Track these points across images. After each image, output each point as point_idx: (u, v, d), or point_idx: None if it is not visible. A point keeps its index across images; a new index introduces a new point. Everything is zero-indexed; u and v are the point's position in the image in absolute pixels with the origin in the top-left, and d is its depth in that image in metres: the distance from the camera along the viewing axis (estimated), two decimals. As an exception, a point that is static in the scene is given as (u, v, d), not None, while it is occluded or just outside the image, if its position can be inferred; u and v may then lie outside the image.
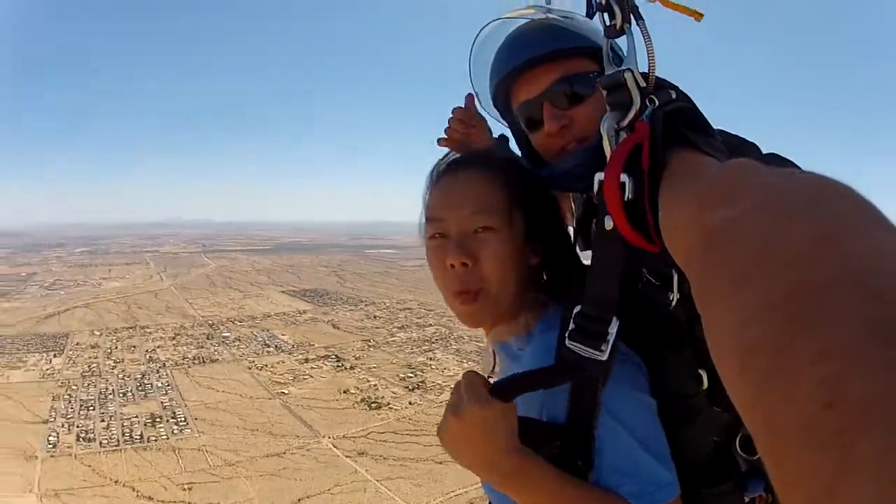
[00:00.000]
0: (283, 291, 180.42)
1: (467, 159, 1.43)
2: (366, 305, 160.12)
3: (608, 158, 0.98)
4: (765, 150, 1.31)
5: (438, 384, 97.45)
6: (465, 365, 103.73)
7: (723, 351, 0.54)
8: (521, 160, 1.52)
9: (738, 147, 1.26)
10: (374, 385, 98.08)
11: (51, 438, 73.12)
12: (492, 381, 1.36)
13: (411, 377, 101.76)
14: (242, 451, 72.90)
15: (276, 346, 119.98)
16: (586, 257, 1.30)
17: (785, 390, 0.41)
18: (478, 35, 1.46)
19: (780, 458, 0.41)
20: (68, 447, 71.86)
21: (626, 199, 0.92)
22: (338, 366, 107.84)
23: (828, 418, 0.37)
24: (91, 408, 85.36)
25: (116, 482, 63.40)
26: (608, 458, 1.11)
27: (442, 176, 1.40)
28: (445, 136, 1.84)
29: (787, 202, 0.56)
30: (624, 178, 0.92)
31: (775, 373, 0.43)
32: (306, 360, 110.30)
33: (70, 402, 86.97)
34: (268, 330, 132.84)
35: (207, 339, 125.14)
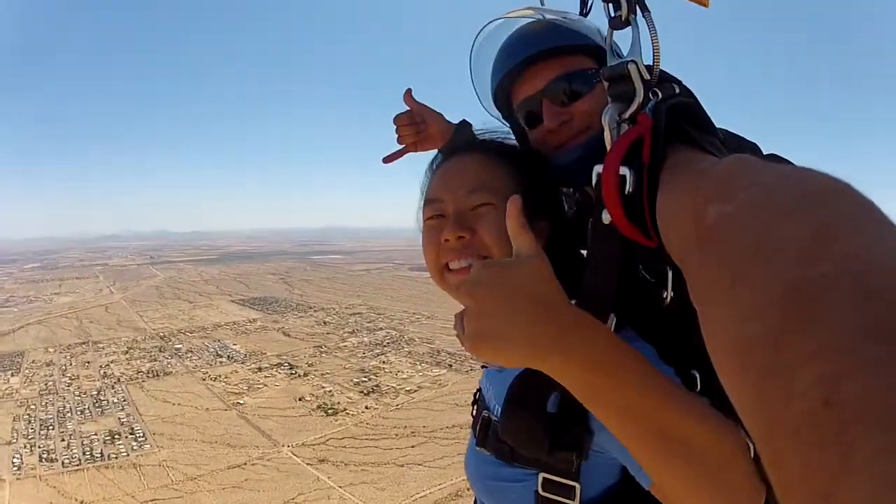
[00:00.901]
0: (233, 301, 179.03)
1: (466, 145, 1.40)
2: (315, 311, 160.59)
3: (608, 150, 0.96)
4: (765, 151, 1.29)
5: (393, 387, 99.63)
6: (419, 367, 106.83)
7: (720, 349, 0.54)
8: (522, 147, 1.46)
9: (739, 147, 1.25)
10: (329, 391, 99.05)
11: (15, 460, 71.80)
12: (485, 368, 1.38)
13: (365, 381, 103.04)
14: (203, 464, 73.11)
15: (228, 356, 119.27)
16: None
17: (783, 388, 0.42)
18: (477, 36, 1.46)
19: (778, 457, 0.41)
20: (32, 468, 70.69)
21: (625, 192, 0.90)
22: (291, 373, 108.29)
23: (826, 417, 0.37)
24: (51, 427, 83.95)
25: (82, 503, 62.96)
26: (608, 442, 1.01)
27: (441, 162, 1.37)
28: (397, 150, 1.96)
29: (786, 198, 0.56)
30: (624, 170, 0.90)
31: (773, 371, 0.43)
32: (259, 369, 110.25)
33: (30, 421, 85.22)
34: (219, 340, 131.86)
35: (160, 351, 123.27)
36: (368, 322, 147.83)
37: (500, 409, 1.19)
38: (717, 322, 0.56)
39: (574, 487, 1.06)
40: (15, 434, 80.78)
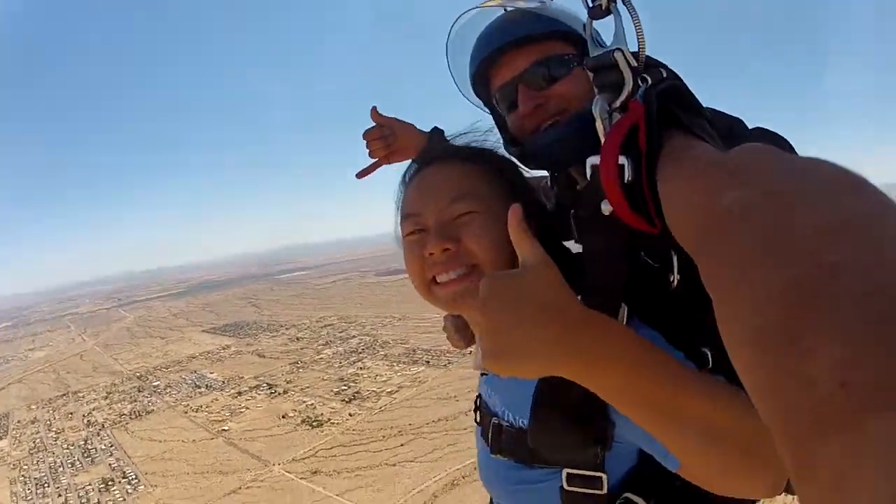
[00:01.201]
0: (204, 331, 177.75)
1: (440, 153, 1.34)
2: (286, 329, 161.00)
3: (602, 140, 0.94)
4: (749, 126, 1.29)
5: (374, 391, 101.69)
6: (397, 368, 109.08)
7: (735, 334, 0.54)
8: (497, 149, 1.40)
9: (727, 125, 1.24)
10: (311, 404, 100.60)
11: (18, 526, 71.61)
12: (483, 376, 1.38)
13: (346, 389, 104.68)
14: (199, 496, 74.17)
15: (206, 385, 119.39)
16: (573, 247, 1.24)
17: (798, 374, 0.42)
18: (454, 25, 1.44)
19: (794, 441, 0.42)
20: (35, 531, 70.35)
21: (625, 181, 0.89)
22: (271, 393, 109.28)
23: (841, 402, 0.37)
24: (46, 485, 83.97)
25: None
26: (629, 431, 0.99)
27: (414, 174, 1.31)
28: (369, 164, 1.94)
29: (800, 188, 0.56)
30: (622, 160, 0.89)
31: (788, 357, 0.44)
32: (239, 394, 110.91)
33: (26, 483, 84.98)
34: (196, 371, 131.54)
35: (139, 391, 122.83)
36: (341, 332, 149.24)
37: (509, 414, 1.19)
38: (731, 307, 0.56)
39: (601, 477, 1.06)
40: (14, 497, 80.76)
